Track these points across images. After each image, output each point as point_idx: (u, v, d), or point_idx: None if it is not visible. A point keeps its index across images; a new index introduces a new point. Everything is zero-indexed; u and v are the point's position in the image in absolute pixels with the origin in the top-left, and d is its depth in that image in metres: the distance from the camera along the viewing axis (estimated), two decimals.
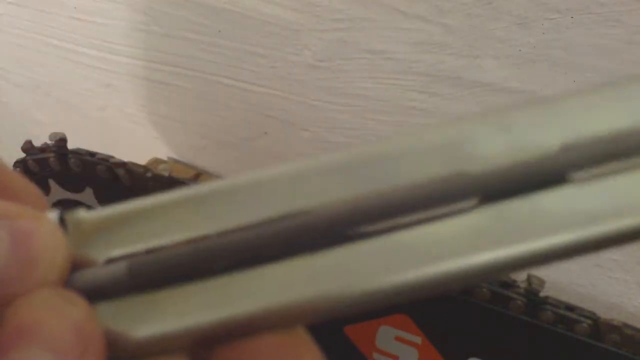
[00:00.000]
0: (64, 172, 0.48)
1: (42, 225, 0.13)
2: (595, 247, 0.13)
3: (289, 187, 0.14)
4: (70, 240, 0.14)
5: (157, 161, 0.59)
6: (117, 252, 0.14)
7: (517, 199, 0.13)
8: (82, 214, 0.14)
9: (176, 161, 0.61)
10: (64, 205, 0.49)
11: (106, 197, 0.48)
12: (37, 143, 0.49)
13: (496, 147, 0.14)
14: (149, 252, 0.14)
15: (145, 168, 0.46)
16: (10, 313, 0.12)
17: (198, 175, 0.59)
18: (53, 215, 0.14)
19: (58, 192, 0.49)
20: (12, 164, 0.49)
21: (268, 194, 0.14)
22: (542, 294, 0.38)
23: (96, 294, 0.14)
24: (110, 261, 0.14)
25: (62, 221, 0.14)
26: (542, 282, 0.39)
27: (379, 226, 0.13)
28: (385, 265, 0.13)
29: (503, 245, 0.13)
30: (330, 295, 0.13)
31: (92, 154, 0.47)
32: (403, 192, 0.13)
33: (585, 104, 0.14)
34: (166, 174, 0.45)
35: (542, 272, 0.40)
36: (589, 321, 0.38)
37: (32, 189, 0.16)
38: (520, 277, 0.40)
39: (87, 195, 0.49)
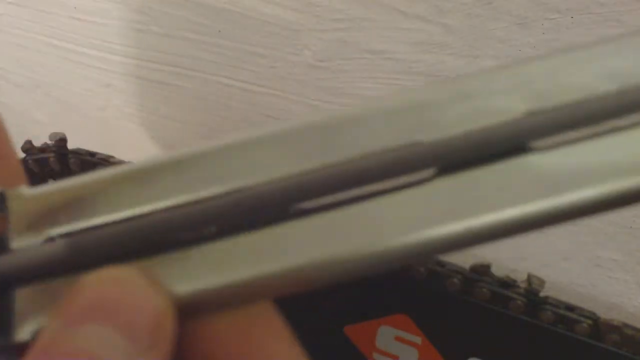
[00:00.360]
0: (64, 172, 0.48)
1: None
2: (557, 219, 0.12)
3: (237, 161, 0.13)
4: (10, 217, 0.13)
5: None
6: (60, 229, 0.13)
7: (477, 169, 0.12)
8: (24, 190, 0.14)
9: None
10: None
11: None
12: (37, 143, 0.49)
13: (454, 114, 0.13)
14: (91, 229, 0.13)
15: None
16: (89, 285, 0.12)
17: None
18: None
19: None
20: None
21: (217, 167, 0.13)
22: (542, 294, 0.38)
23: (35, 272, 0.13)
24: (52, 239, 0.13)
25: (1, 197, 0.14)
26: (542, 282, 0.39)
27: (330, 199, 0.13)
28: (339, 239, 0.12)
29: (460, 218, 0.12)
30: (275, 272, 0.12)
31: (92, 154, 0.47)
32: (354, 163, 0.13)
33: (549, 68, 0.13)
34: None
35: (542, 272, 0.40)
36: (589, 321, 0.37)
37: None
38: (520, 277, 0.40)
39: None
